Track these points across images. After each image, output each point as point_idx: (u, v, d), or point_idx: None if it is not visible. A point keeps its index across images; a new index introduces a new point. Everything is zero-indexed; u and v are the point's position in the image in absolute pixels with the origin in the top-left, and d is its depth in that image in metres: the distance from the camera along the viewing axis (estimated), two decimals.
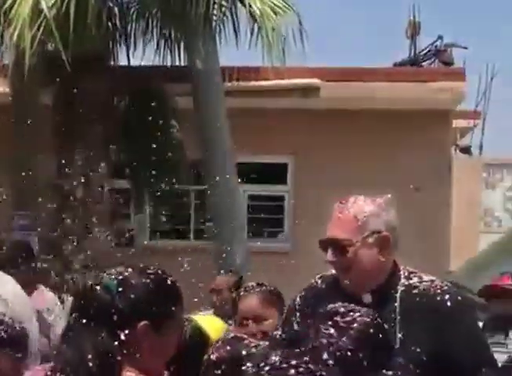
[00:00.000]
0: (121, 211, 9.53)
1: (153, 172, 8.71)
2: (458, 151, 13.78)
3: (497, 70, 13.80)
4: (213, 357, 2.29)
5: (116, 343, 1.93)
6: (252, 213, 10.91)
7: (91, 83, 8.04)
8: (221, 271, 6.66)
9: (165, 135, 8.66)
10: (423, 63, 11.34)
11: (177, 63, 8.99)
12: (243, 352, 2.27)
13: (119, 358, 1.92)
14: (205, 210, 8.89)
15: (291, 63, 8.95)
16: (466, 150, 14.13)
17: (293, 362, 1.86)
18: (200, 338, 2.51)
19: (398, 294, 2.78)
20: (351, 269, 2.80)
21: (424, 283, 2.80)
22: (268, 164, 11.09)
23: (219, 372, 2.26)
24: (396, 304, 2.76)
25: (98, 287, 1.95)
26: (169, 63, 9.06)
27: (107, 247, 8.19)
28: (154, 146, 8.46)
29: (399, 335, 2.68)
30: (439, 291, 2.77)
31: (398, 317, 2.73)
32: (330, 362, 1.92)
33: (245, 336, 2.46)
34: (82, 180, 7.99)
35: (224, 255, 7.77)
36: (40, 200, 8.05)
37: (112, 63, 8.95)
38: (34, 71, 7.62)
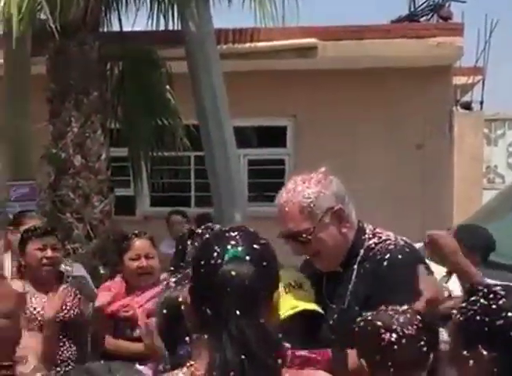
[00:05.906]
0: (120, 180, 9.44)
1: (150, 139, 8.61)
2: (459, 107, 13.64)
3: (496, 24, 13.61)
4: None
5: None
6: (252, 178, 10.81)
7: (84, 50, 7.91)
8: None
9: (160, 101, 8.55)
10: (421, 19, 11.15)
11: (170, 28, 8.86)
12: None
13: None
14: (206, 176, 8.79)
15: (287, 24, 8.78)
16: (466, 106, 13.97)
17: None
18: None
19: (358, 258, 2.80)
20: (319, 253, 2.81)
21: (380, 244, 2.80)
22: (267, 128, 10.97)
23: None
24: (355, 266, 2.78)
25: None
26: (162, 28, 8.94)
27: (108, 215, 8.12)
28: (149, 112, 8.35)
29: (349, 297, 2.74)
30: (385, 250, 2.76)
31: (354, 280, 2.76)
32: None
33: None
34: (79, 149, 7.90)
35: (224, 222, 7.68)
36: (36, 170, 7.99)
37: (105, 29, 8.83)
38: (26, 40, 7.51)
